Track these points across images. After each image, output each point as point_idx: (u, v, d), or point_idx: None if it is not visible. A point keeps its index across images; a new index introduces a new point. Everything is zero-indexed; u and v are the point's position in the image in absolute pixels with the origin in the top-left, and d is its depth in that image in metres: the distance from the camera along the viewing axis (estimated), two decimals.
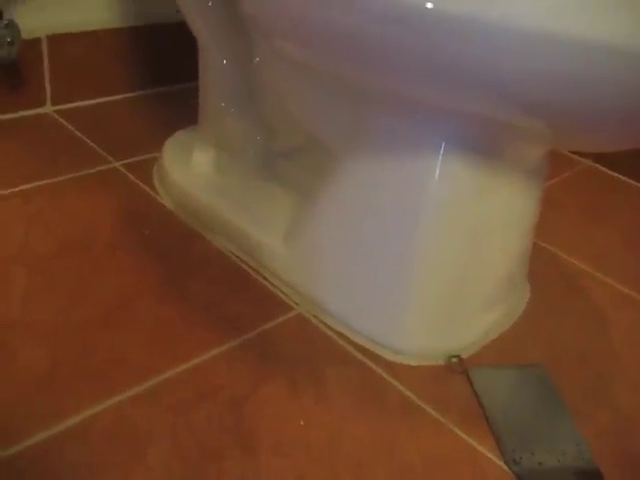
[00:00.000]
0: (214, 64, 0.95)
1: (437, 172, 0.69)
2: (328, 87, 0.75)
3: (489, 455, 0.67)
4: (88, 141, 1.09)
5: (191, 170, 0.96)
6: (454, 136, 0.68)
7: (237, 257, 0.88)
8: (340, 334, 0.78)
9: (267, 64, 0.86)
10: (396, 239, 0.73)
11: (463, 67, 0.55)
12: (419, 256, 0.72)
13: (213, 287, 0.82)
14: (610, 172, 1.29)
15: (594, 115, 0.58)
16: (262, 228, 0.87)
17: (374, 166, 0.73)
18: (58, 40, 1.13)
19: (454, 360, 0.76)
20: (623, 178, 1.27)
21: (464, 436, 0.69)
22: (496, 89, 0.56)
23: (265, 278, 0.85)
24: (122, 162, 1.04)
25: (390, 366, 0.75)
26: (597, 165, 1.31)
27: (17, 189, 0.95)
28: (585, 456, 0.68)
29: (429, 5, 0.51)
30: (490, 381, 0.75)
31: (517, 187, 0.75)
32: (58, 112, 1.17)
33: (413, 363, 0.76)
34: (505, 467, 0.66)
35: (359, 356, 0.76)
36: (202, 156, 0.97)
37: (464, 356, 0.77)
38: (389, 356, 0.76)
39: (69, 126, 1.13)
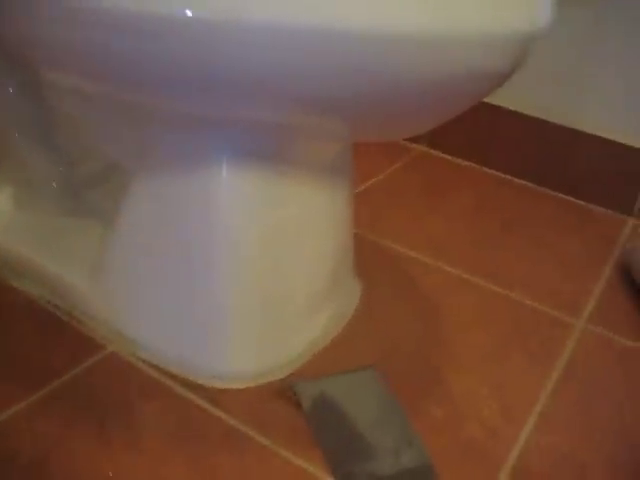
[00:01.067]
0: (0, 93, 0.87)
1: (224, 184, 0.64)
2: (106, 108, 0.70)
3: (320, 474, 0.64)
4: None
5: None
6: (237, 145, 0.64)
7: (46, 301, 0.81)
8: (156, 367, 0.73)
9: (50, 91, 0.80)
10: (194, 260, 0.68)
11: (195, 74, 0.50)
12: (220, 274, 0.67)
13: (17, 338, 0.75)
14: (443, 155, 1.28)
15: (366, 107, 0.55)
16: (69, 266, 0.80)
17: (163, 184, 0.68)
18: None
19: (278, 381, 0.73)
20: (456, 160, 1.27)
21: (292, 458, 0.65)
22: (258, 92, 0.53)
23: (77, 319, 0.78)
24: None
25: (210, 394, 0.70)
26: (430, 149, 1.30)
27: None
28: (419, 455, 0.66)
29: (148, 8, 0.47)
30: (318, 395, 0.71)
31: (320, 187, 0.71)
32: None
33: (234, 387, 0.71)
34: None
35: (177, 388, 0.71)
36: None
37: (290, 371, 0.73)
38: (209, 383, 0.71)
39: None
